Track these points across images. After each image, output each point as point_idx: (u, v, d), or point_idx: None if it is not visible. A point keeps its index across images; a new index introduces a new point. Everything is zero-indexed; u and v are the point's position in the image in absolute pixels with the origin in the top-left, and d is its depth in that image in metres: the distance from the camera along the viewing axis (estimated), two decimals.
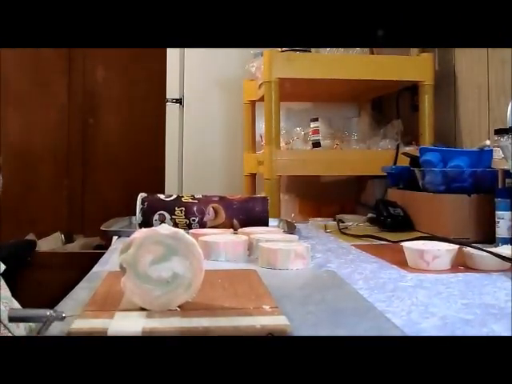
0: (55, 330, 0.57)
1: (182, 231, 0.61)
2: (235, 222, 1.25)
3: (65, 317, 0.52)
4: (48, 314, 0.50)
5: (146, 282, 0.59)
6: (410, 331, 0.59)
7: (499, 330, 0.60)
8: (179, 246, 0.60)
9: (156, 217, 1.23)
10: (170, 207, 1.24)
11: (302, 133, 2.08)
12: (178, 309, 0.60)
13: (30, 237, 2.82)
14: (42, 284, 2.25)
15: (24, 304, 0.98)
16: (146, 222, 1.22)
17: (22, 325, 0.70)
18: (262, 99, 1.88)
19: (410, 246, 0.96)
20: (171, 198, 1.26)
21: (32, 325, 0.66)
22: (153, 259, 0.60)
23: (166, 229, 0.61)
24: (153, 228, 0.61)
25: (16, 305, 0.78)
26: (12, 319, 0.54)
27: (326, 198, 2.18)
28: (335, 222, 1.53)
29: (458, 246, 0.94)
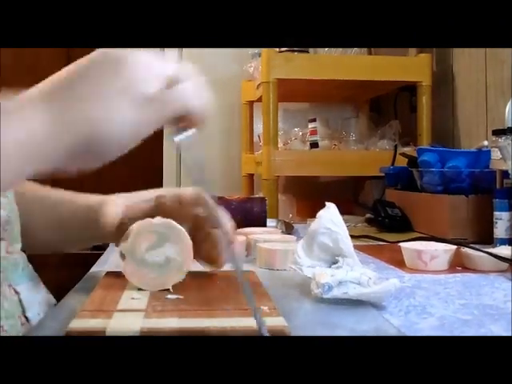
0: (53, 329, 0.57)
1: (172, 221, 0.68)
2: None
3: None
4: None
5: (143, 266, 0.67)
6: (408, 331, 0.59)
7: (497, 330, 0.60)
8: (170, 233, 0.68)
9: None
10: None
11: (300, 133, 2.07)
12: (171, 289, 0.67)
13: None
14: None
15: None
16: None
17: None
18: (260, 100, 1.88)
19: (408, 246, 0.96)
20: None
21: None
22: (148, 246, 0.68)
23: (158, 219, 0.69)
24: (147, 219, 0.69)
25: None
26: None
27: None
28: None
29: (455, 247, 0.94)
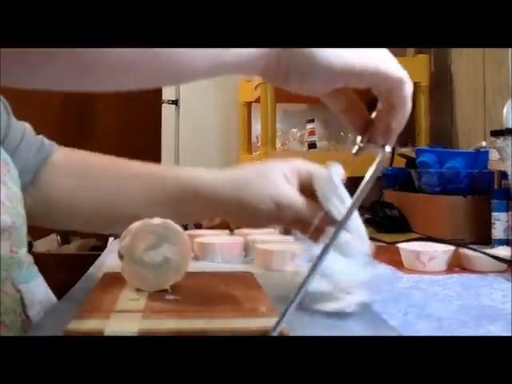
0: (51, 329, 0.56)
1: (170, 221, 0.68)
2: None
3: None
4: None
5: (141, 266, 0.67)
6: (407, 332, 0.59)
7: (495, 330, 0.60)
8: (169, 233, 0.67)
9: None
10: None
11: (298, 134, 2.08)
12: (169, 289, 0.67)
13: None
14: None
15: None
16: None
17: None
18: (258, 100, 1.88)
19: (406, 247, 0.96)
20: None
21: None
22: (146, 246, 0.67)
23: (157, 220, 0.68)
24: (146, 219, 0.68)
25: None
26: None
27: None
28: None
29: (454, 248, 0.94)
